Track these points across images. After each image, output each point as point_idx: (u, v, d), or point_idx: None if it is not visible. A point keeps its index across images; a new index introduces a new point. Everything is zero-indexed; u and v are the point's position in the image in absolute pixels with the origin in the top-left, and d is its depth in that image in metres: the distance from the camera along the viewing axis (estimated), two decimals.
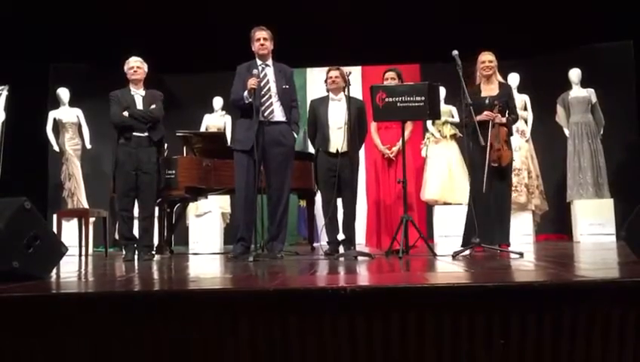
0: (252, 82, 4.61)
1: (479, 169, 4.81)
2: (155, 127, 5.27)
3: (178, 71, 8.47)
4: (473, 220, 4.53)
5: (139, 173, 5.17)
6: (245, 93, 4.67)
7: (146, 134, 5.21)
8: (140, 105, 5.25)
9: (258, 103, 4.65)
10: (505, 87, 5.06)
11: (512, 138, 5.18)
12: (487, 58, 5.02)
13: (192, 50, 8.19)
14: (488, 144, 4.71)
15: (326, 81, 5.42)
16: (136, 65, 5.30)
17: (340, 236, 5.27)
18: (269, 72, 4.83)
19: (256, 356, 2.21)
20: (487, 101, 4.88)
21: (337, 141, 5.20)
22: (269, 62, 4.88)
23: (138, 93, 5.29)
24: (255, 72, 4.69)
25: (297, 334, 2.20)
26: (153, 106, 5.29)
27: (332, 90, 5.35)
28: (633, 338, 2.21)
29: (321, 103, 5.42)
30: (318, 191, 5.65)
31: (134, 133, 5.17)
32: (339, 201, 5.36)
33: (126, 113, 5.19)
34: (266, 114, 4.74)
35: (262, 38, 4.81)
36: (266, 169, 4.82)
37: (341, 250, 5.08)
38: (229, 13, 7.86)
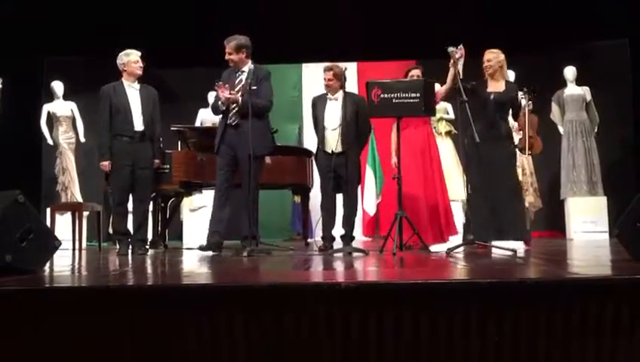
0: (227, 95, 4.86)
1: (477, 165, 4.82)
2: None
3: (173, 65, 8.44)
4: (475, 217, 4.55)
5: (136, 168, 5.16)
6: (219, 102, 4.95)
7: (141, 129, 5.20)
8: (136, 101, 5.21)
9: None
10: (511, 86, 5.06)
11: None
12: (485, 57, 5.01)
13: (188, 45, 8.16)
14: (526, 131, 4.70)
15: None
16: (140, 60, 5.27)
17: (340, 231, 5.27)
18: (243, 78, 4.96)
19: (250, 351, 2.21)
20: (492, 97, 4.90)
21: (333, 142, 5.23)
22: (245, 68, 5.00)
23: (133, 87, 5.25)
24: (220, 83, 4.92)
25: (291, 329, 2.20)
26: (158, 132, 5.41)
27: (328, 90, 5.34)
28: (626, 335, 2.22)
29: (320, 102, 5.41)
30: (313, 187, 5.65)
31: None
32: (339, 198, 5.37)
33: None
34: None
35: (227, 52, 5.00)
36: (241, 170, 4.94)
37: (341, 245, 5.06)
38: (225, 7, 7.84)
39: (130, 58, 5.23)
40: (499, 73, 4.99)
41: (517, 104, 5.03)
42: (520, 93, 5.06)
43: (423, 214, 5.15)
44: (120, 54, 5.28)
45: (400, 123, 4.93)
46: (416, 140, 5.29)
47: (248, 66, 4.97)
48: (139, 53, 5.29)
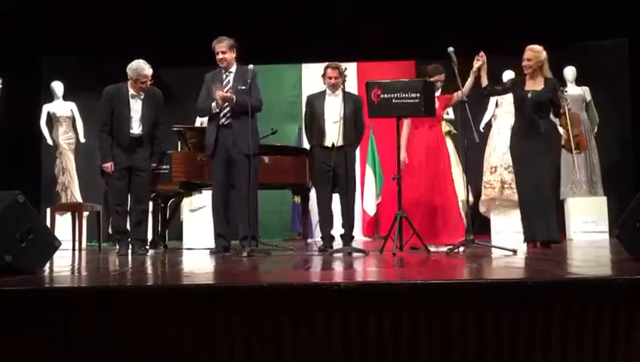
0: (222, 94, 4.92)
1: (516, 164, 4.87)
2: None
3: (174, 64, 8.43)
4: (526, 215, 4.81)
5: (132, 171, 5.15)
6: (214, 103, 5.00)
7: (139, 132, 5.18)
8: (137, 110, 5.15)
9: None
10: (550, 82, 5.03)
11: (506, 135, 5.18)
12: (525, 56, 5.00)
13: (189, 44, 8.14)
14: (569, 130, 4.70)
15: (323, 77, 5.41)
16: (150, 76, 5.15)
17: (340, 231, 5.27)
18: (231, 79, 5.08)
19: (249, 351, 2.21)
20: (529, 95, 4.91)
21: (333, 135, 5.22)
22: (232, 68, 5.11)
23: (137, 97, 5.16)
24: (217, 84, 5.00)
25: (290, 330, 2.20)
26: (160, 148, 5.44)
27: (331, 88, 5.35)
28: (624, 335, 2.22)
29: (318, 98, 5.44)
30: (313, 187, 5.63)
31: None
32: (335, 197, 5.37)
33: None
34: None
35: (220, 52, 5.08)
36: (236, 170, 4.98)
37: (341, 245, 5.06)
38: (225, 7, 7.84)
39: (139, 77, 5.06)
40: (538, 72, 4.98)
41: (556, 102, 5.01)
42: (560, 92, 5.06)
43: (430, 214, 5.11)
44: (132, 65, 5.06)
45: (412, 122, 4.97)
46: (429, 140, 5.20)
47: (235, 67, 5.07)
48: (150, 72, 5.14)
